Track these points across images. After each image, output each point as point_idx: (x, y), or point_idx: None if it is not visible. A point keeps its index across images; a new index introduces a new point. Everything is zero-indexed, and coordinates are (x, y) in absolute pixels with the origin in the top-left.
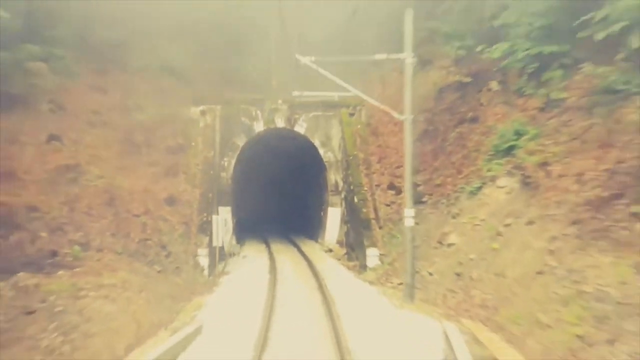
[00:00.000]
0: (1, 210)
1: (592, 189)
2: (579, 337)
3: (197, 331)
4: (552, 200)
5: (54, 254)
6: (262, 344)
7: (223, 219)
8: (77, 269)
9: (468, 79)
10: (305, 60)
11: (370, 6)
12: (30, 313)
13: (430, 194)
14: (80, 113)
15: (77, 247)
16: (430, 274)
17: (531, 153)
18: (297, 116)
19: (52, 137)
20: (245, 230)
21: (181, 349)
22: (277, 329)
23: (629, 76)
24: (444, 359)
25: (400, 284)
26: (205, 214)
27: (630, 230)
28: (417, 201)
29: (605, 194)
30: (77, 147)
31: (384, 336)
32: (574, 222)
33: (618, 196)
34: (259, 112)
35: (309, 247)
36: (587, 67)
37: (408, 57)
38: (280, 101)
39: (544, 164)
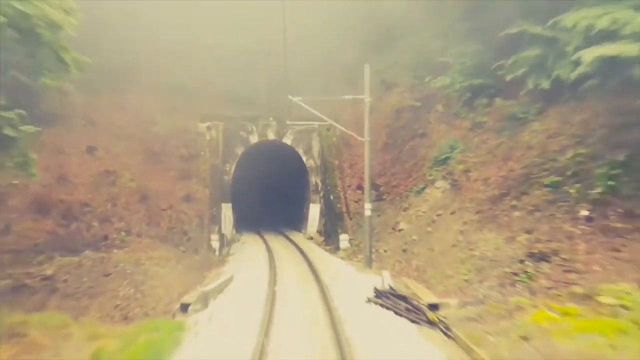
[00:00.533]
0: (62, 206)
1: (492, 189)
2: (465, 280)
3: (230, 279)
4: (467, 197)
5: (106, 238)
6: (273, 283)
7: (224, 214)
8: (126, 249)
9: (419, 103)
10: (295, 99)
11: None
12: (107, 275)
13: (389, 193)
14: (108, 127)
15: (123, 233)
16: (385, 251)
17: (459, 163)
18: (284, 130)
19: (90, 148)
20: (242, 223)
21: (224, 287)
22: (279, 280)
23: (527, 108)
24: (380, 287)
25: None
26: (214, 209)
27: (509, 217)
28: (379, 198)
29: (498, 192)
30: (110, 155)
31: (348, 283)
32: (478, 212)
33: (505, 194)
34: (254, 127)
35: (294, 235)
36: (498, 100)
37: (366, 98)
38: (271, 118)
39: (466, 171)
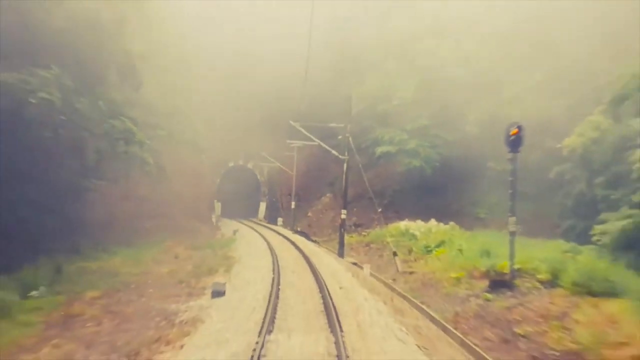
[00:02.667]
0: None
1: (349, 199)
2: (329, 234)
3: (237, 230)
4: (338, 202)
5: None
6: (248, 230)
7: (215, 206)
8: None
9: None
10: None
11: None
12: (176, 257)
13: (304, 199)
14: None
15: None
16: (299, 225)
17: (339, 187)
18: (248, 160)
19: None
20: (224, 212)
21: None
22: (250, 229)
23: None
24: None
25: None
26: (212, 203)
27: (351, 210)
28: (298, 200)
29: (349, 200)
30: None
31: (285, 232)
32: (341, 207)
33: (350, 202)
34: (230, 157)
35: (253, 220)
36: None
37: (296, 144)
38: (242, 152)
39: (339, 190)
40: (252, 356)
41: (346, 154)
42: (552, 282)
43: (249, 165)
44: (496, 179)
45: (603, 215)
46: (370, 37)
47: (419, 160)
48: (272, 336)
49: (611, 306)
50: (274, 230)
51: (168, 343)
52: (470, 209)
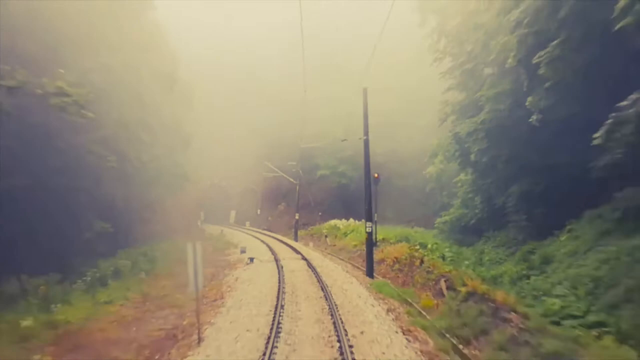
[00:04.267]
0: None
1: (299, 207)
2: (282, 231)
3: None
4: (292, 210)
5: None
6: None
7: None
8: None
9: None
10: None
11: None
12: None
13: (266, 208)
14: None
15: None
16: (266, 225)
17: (292, 198)
18: (222, 180)
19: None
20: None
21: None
22: (233, 230)
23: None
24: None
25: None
26: (197, 212)
27: (300, 213)
28: (263, 208)
29: (299, 208)
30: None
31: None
32: (294, 213)
33: (301, 208)
34: None
35: (225, 225)
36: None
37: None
38: (220, 175)
39: (293, 201)
40: (250, 258)
41: (298, 180)
42: (396, 242)
43: (223, 184)
44: (399, 192)
45: (442, 213)
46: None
47: (345, 179)
48: (266, 257)
49: (419, 250)
50: (248, 230)
51: (231, 268)
52: (380, 211)
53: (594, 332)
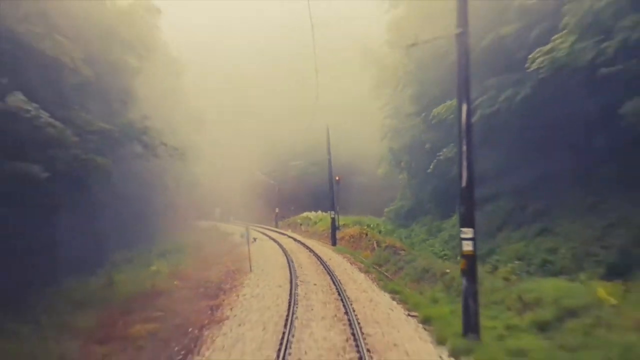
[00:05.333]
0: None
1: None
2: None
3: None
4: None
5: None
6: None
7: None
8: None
9: (272, 182)
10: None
11: None
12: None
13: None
14: None
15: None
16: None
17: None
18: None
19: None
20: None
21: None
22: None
23: None
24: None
25: None
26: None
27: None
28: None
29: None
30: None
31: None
32: (275, 204)
33: (285, 204)
34: None
35: (212, 221)
36: None
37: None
38: None
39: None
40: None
41: (277, 184)
42: (353, 226)
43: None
44: (358, 188)
45: (390, 205)
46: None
47: (315, 179)
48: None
49: (367, 229)
50: (234, 224)
51: (242, 245)
52: (343, 204)
53: (440, 259)
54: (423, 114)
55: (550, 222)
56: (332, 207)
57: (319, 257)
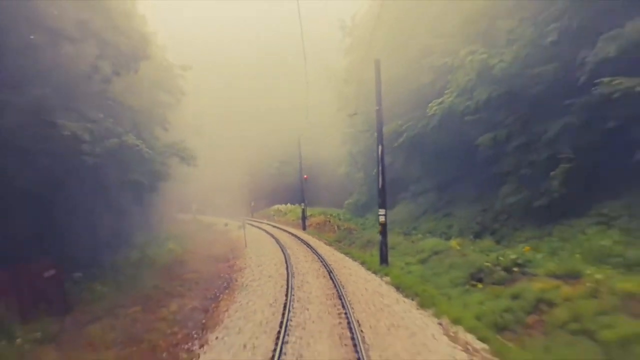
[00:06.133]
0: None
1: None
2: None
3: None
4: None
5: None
6: None
7: None
8: None
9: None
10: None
11: None
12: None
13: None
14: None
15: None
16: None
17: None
18: None
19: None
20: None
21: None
22: None
23: None
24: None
25: None
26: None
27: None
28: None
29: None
30: None
31: None
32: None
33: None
34: None
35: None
36: None
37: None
38: None
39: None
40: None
41: (253, 180)
42: (319, 216)
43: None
44: (324, 184)
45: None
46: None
47: (287, 177)
48: (254, 224)
49: (330, 217)
50: (212, 217)
51: (229, 232)
52: (311, 198)
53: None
54: (370, 131)
55: (452, 208)
56: (302, 200)
57: (296, 236)
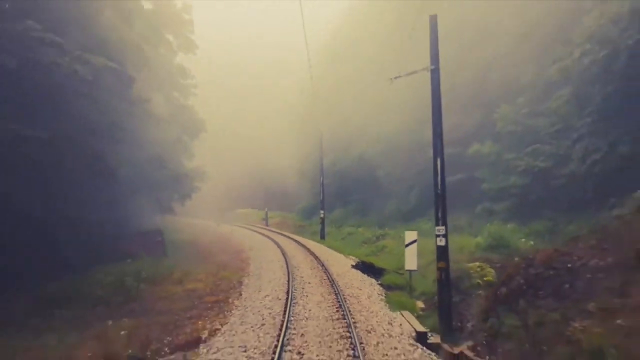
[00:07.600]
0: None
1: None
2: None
3: None
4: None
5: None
6: None
7: None
8: None
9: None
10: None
11: None
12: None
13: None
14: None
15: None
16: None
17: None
18: None
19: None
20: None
21: None
22: None
23: None
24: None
25: None
26: None
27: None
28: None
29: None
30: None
31: None
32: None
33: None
34: None
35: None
36: None
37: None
38: None
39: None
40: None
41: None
42: (277, 217)
43: None
44: (284, 193)
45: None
46: None
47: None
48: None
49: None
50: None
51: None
52: (271, 204)
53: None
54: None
55: (365, 212)
56: (265, 205)
57: (264, 231)
